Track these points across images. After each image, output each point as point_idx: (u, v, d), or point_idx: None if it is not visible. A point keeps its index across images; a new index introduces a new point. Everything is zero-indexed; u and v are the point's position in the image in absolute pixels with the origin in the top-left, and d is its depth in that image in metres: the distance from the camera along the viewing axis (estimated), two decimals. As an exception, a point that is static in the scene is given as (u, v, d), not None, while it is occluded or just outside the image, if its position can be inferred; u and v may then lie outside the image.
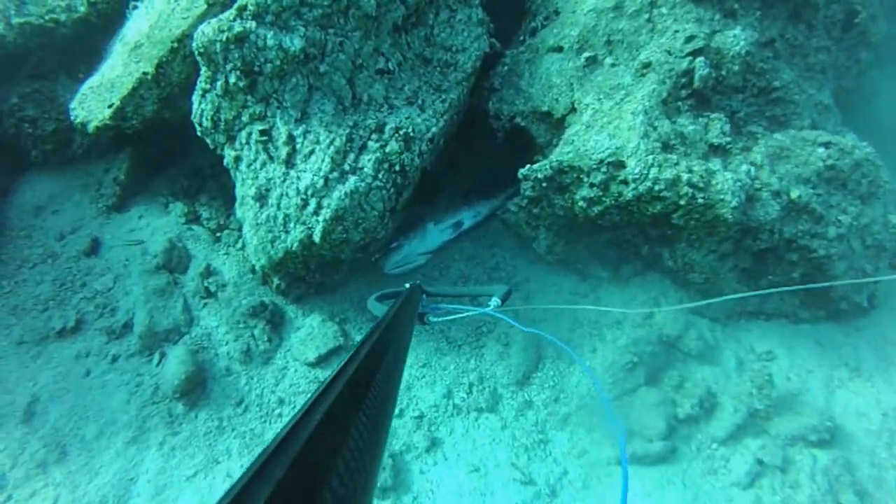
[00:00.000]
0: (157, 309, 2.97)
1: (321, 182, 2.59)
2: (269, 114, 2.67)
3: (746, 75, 2.88)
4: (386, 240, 3.10)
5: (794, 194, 2.77)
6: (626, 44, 2.89)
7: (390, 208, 2.77)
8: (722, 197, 2.54)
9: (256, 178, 2.76)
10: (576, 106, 2.95)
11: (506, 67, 3.26)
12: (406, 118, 2.73)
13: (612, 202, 2.71)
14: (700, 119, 2.77)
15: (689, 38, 2.74)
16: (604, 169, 2.65)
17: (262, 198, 2.77)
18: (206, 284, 3.11)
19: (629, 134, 2.61)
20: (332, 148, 2.59)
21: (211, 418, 2.79)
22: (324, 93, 2.66)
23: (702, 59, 2.72)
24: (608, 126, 2.71)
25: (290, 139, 2.66)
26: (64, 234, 3.18)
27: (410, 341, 1.67)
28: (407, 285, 2.29)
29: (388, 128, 2.69)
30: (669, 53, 2.76)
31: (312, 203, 2.63)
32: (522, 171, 2.92)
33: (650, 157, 2.55)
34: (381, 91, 2.75)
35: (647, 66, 2.80)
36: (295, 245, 2.72)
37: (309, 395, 0.84)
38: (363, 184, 2.60)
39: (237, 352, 2.94)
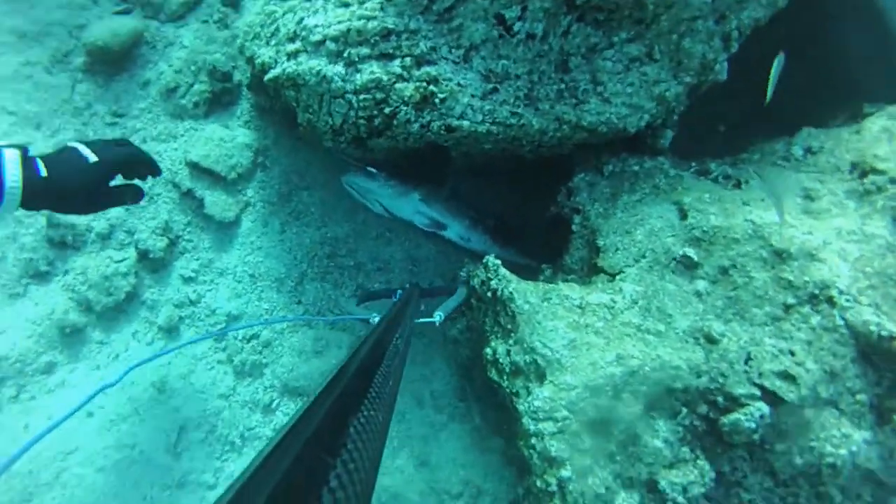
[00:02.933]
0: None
1: (318, 37, 1.99)
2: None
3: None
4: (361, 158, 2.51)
5: None
6: (737, 293, 1.89)
7: (353, 135, 2.15)
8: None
9: (302, -28, 2.19)
10: (619, 277, 2.06)
11: (636, 167, 2.32)
12: (457, 84, 1.99)
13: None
14: (684, 448, 1.83)
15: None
16: (531, 358, 1.85)
17: (284, -8, 2.23)
18: (226, 10, 2.72)
19: (585, 368, 1.76)
20: (361, 22, 1.94)
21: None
22: (422, -28, 1.95)
23: (766, 410, 1.72)
24: (591, 334, 1.86)
25: (349, -28, 2.03)
26: None
27: (411, 342, 1.68)
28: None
29: (426, 69, 1.97)
30: (747, 360, 1.77)
31: (295, 45, 2.05)
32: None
33: (565, 410, 1.72)
34: (478, 36, 1.99)
35: (711, 340, 1.83)
36: (258, 62, 2.20)
37: (309, 396, 0.80)
38: (339, 83, 1.97)
39: (166, 79, 2.59)
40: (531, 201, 2.85)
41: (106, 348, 2.28)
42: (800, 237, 1.84)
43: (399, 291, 2.29)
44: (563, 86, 2.10)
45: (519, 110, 2.07)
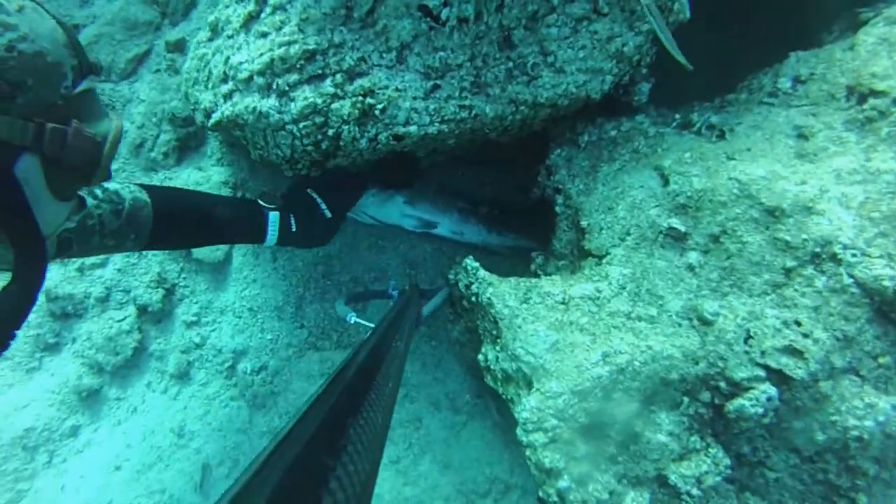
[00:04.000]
0: (118, 42, 2.63)
1: (245, 74, 1.91)
2: (272, -54, 1.91)
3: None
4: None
5: None
6: (731, 262, 1.71)
7: (309, 161, 2.08)
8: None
9: (227, 5, 2.10)
10: (606, 262, 1.91)
11: (613, 132, 2.13)
12: (395, 90, 1.87)
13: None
14: (692, 438, 1.70)
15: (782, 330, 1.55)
16: (517, 365, 1.76)
17: (213, 31, 2.15)
18: (173, 56, 2.68)
19: (570, 372, 1.65)
20: (282, 49, 1.84)
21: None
22: (333, -23, 1.82)
23: (773, 392, 1.56)
24: (577, 332, 1.74)
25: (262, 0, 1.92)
26: None
27: (410, 343, 1.70)
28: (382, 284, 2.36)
29: (359, 82, 1.86)
30: (746, 339, 1.60)
31: (228, 86, 1.99)
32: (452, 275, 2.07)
33: (554, 420, 1.63)
34: (406, 34, 1.85)
35: (704, 322, 1.67)
36: (202, 106, 2.16)
37: (309, 397, 0.81)
38: (276, 116, 1.89)
39: (131, 136, 2.60)
40: (520, 178, 2.70)
41: (124, 403, 2.39)
42: (793, 189, 1.63)
43: (392, 292, 2.27)
44: (510, 64, 1.93)
45: (467, 101, 1.92)
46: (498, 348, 1.86)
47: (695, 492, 1.68)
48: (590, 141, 2.16)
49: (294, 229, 2.07)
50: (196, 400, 2.42)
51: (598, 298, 1.79)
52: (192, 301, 2.55)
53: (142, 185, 1.79)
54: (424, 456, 2.47)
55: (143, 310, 2.45)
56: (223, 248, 2.55)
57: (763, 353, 1.57)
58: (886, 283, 1.51)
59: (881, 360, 1.59)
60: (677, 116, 2.10)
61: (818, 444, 1.64)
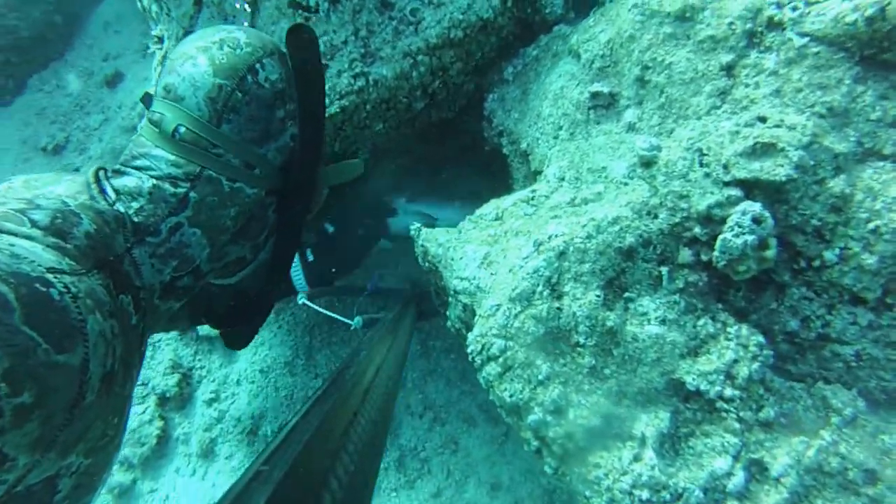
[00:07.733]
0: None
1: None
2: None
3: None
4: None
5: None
6: (666, 94, 1.37)
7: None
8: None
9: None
10: (545, 167, 1.63)
11: (534, 52, 1.93)
12: (288, 83, 1.87)
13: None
14: (701, 321, 1.26)
15: (756, 145, 1.14)
16: (460, 304, 1.48)
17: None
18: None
19: (504, 279, 1.34)
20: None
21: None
22: (209, 8, 1.94)
23: (756, 208, 1.13)
24: (511, 237, 1.44)
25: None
26: (108, 57, 3.27)
27: (410, 343, 1.73)
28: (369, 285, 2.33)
29: (253, 88, 1.89)
30: (701, 160, 1.22)
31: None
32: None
33: (500, 340, 1.30)
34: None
35: (647, 164, 1.32)
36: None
37: (310, 398, 0.82)
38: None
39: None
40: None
41: (157, 494, 2.32)
42: (695, -20, 1.32)
43: (369, 287, 2.27)
44: (394, 22, 1.88)
45: (358, 70, 1.86)
46: (449, 298, 1.59)
47: (729, 392, 1.22)
48: (516, 72, 1.98)
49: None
50: (223, 475, 2.31)
51: (534, 198, 1.51)
52: (209, 380, 2.53)
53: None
54: (468, 481, 2.09)
55: (162, 398, 2.46)
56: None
57: (726, 166, 1.19)
58: (851, 17, 1.11)
59: (903, 123, 1.13)
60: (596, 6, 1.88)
61: (874, 272, 1.14)
